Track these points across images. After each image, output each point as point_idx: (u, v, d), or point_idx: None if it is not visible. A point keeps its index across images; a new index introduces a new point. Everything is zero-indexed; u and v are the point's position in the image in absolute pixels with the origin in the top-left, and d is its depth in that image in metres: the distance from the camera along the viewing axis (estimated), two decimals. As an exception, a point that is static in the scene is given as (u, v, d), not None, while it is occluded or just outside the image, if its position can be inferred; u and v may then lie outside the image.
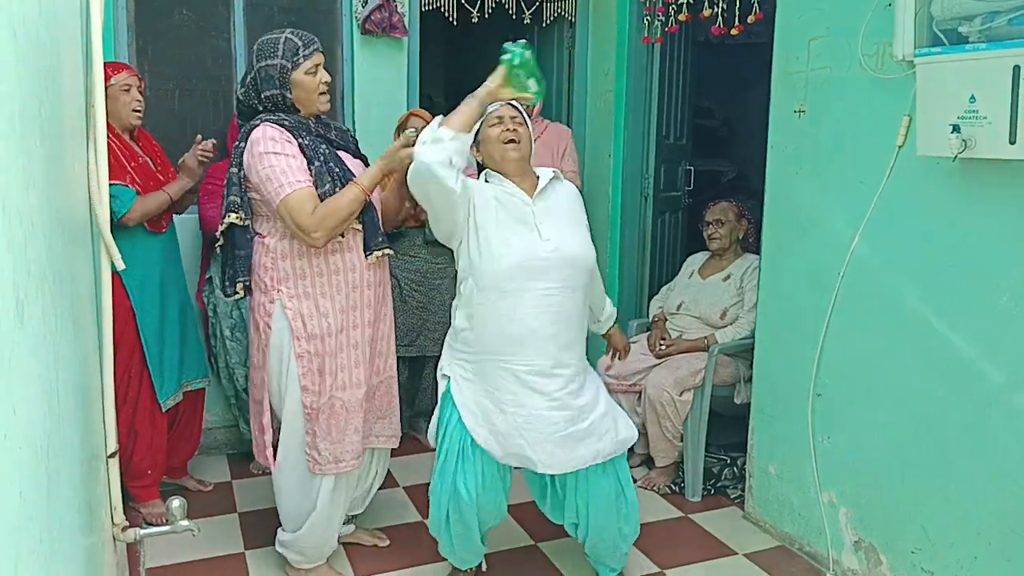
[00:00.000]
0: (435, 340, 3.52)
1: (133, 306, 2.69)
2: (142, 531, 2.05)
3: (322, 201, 2.22)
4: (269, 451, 2.44)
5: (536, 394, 2.19)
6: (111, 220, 2.52)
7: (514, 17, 3.98)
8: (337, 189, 2.24)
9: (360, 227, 2.32)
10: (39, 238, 1.13)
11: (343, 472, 2.40)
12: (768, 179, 2.83)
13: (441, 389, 2.35)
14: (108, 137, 2.39)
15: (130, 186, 2.63)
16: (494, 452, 2.23)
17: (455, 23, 3.83)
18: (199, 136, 2.82)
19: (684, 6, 3.40)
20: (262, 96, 2.29)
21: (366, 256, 2.33)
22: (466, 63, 6.05)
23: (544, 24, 4.11)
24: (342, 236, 2.29)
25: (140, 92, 2.76)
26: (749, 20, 3.10)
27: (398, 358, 3.46)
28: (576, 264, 2.23)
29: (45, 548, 1.05)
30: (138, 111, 2.74)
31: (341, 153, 2.38)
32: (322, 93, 2.32)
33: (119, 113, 2.69)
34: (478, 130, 2.27)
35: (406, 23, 3.64)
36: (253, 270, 2.37)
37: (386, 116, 3.55)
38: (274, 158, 2.20)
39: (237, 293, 2.36)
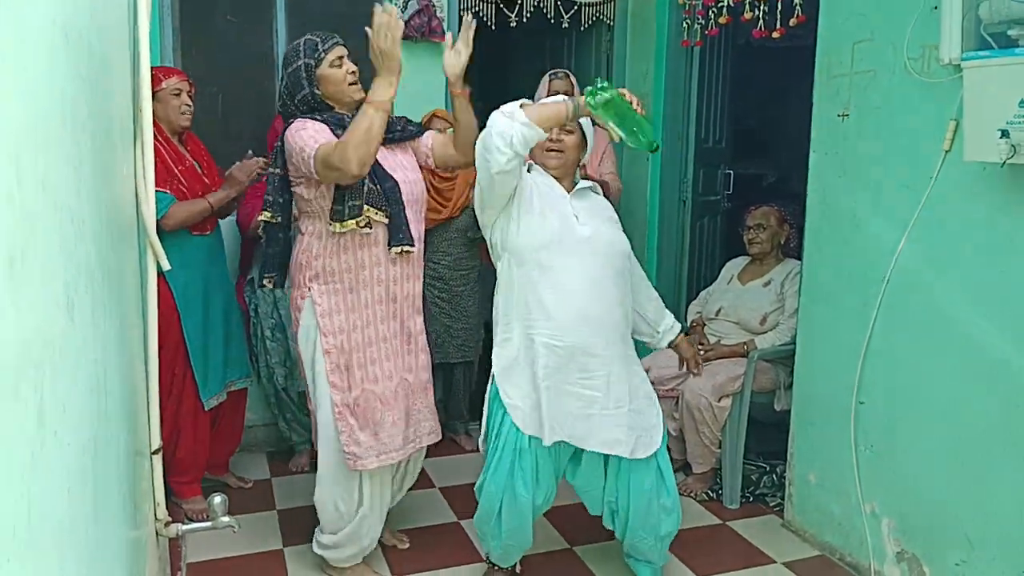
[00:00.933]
0: (458, 346, 3.54)
1: (177, 306, 2.74)
2: (184, 527, 2.09)
3: (337, 191, 2.25)
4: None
5: (571, 371, 2.22)
6: None
7: (552, 21, 3.98)
8: (367, 183, 2.25)
9: (386, 220, 2.30)
10: (88, 238, 1.16)
11: (384, 464, 2.41)
12: (810, 183, 2.79)
13: (490, 388, 2.36)
14: (156, 140, 2.45)
15: (167, 191, 2.67)
16: (541, 434, 2.24)
17: (493, 27, 3.85)
18: (250, 152, 2.85)
19: (724, 9, 3.37)
20: (296, 100, 2.33)
21: (389, 249, 2.32)
22: (504, 67, 6.07)
23: (583, 28, 4.10)
24: (368, 229, 2.27)
25: (190, 96, 2.81)
26: (791, 23, 3.07)
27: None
28: (613, 248, 2.30)
29: (91, 542, 1.08)
30: (187, 114, 2.80)
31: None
32: (351, 84, 2.33)
33: (169, 116, 2.75)
34: None
35: (444, 27, 3.66)
36: (291, 267, 2.43)
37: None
38: (304, 133, 2.24)
39: (264, 286, 2.52)
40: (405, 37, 3.54)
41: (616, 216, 2.47)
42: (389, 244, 2.31)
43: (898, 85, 2.41)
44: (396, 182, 2.34)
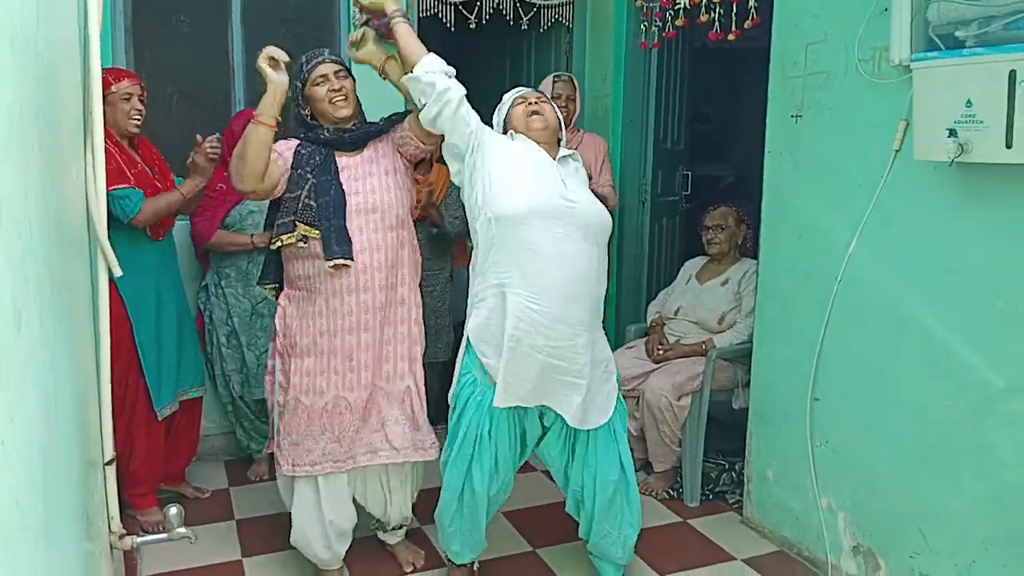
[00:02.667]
0: (429, 346, 3.51)
1: (128, 314, 2.68)
2: (139, 539, 2.04)
3: (283, 202, 2.35)
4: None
5: (539, 335, 2.20)
6: (121, 222, 2.54)
7: (511, 23, 3.98)
8: (298, 193, 2.32)
9: (317, 235, 2.31)
10: (37, 247, 1.13)
11: (301, 476, 2.40)
12: (765, 184, 2.83)
13: (462, 355, 2.35)
14: (108, 144, 2.44)
15: (135, 187, 2.63)
16: (503, 398, 2.23)
17: (452, 29, 3.84)
18: (198, 136, 2.78)
19: (681, 11, 3.41)
20: (297, 117, 2.45)
21: (326, 262, 2.30)
22: (464, 68, 6.06)
23: (542, 30, 4.12)
24: (304, 243, 2.32)
25: (141, 100, 2.74)
26: (746, 25, 3.11)
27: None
28: (599, 218, 2.31)
29: (42, 556, 1.05)
30: (137, 120, 2.73)
31: (350, 161, 2.41)
32: (334, 101, 2.38)
33: (118, 121, 2.68)
34: (506, 113, 2.43)
35: (404, 29, 3.64)
36: None
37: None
38: None
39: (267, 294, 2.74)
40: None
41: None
42: (324, 257, 2.31)
43: (850, 86, 2.46)
44: (340, 195, 2.34)
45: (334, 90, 2.37)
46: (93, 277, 1.92)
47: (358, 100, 2.48)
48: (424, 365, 3.58)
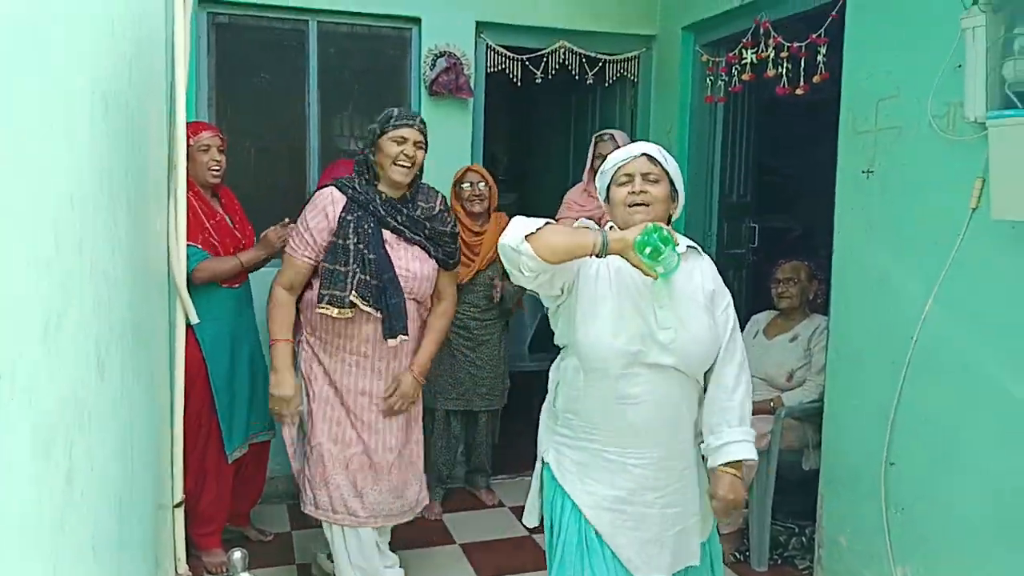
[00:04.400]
0: (483, 395, 3.54)
1: (204, 358, 2.76)
2: (203, 582, 2.08)
3: (326, 272, 2.38)
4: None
5: (635, 489, 1.89)
6: None
7: (577, 78, 4.04)
8: (349, 267, 2.36)
9: (377, 313, 2.39)
10: (121, 297, 1.18)
11: (322, 519, 2.49)
12: (836, 240, 2.78)
13: (538, 471, 2.06)
14: (189, 195, 2.52)
15: (198, 246, 2.71)
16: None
17: (519, 84, 3.92)
18: (287, 219, 2.85)
19: (747, 66, 3.41)
20: (363, 156, 2.49)
21: (386, 340, 2.40)
22: (530, 122, 6.16)
23: (607, 84, 4.16)
24: (350, 313, 2.37)
25: (220, 151, 2.84)
26: (815, 80, 3.09)
27: (449, 412, 3.49)
28: (692, 358, 1.84)
29: (113, 601, 1.07)
30: (216, 170, 2.82)
31: (393, 239, 2.45)
32: (398, 164, 2.41)
33: (198, 172, 2.77)
34: (608, 186, 1.94)
35: (472, 85, 3.74)
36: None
37: (451, 173, 3.63)
38: (302, 223, 2.45)
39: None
40: (433, 94, 3.65)
41: (716, 286, 1.93)
42: (384, 335, 2.40)
43: (924, 142, 2.41)
44: (395, 274, 2.42)
45: (406, 155, 2.41)
46: (171, 324, 2.00)
47: (418, 173, 2.52)
48: (485, 413, 3.61)
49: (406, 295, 2.44)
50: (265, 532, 3.24)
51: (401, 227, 2.46)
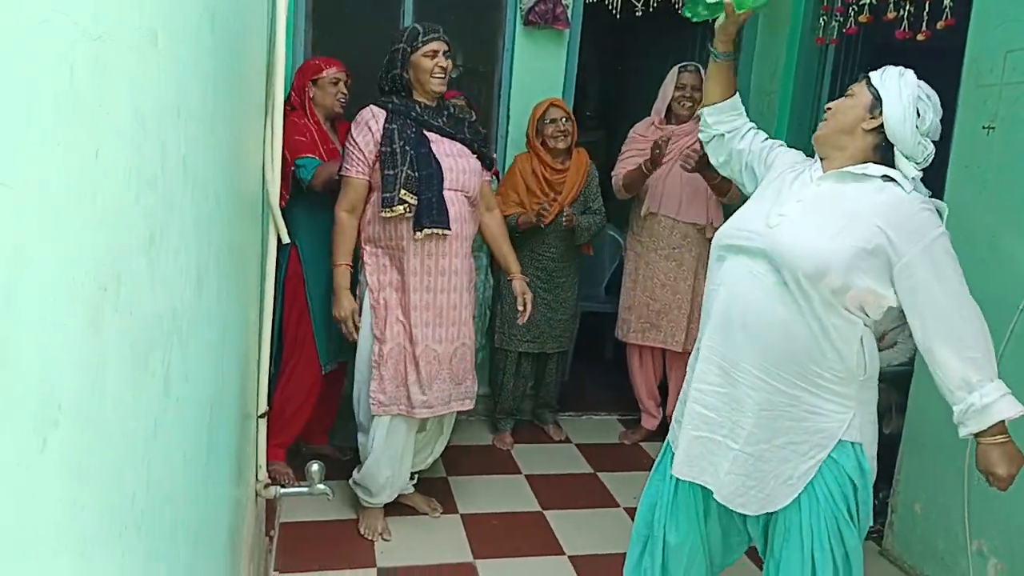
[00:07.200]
0: (556, 336, 3.54)
1: (304, 273, 2.90)
2: (282, 490, 2.18)
3: (382, 179, 2.48)
4: None
5: (709, 389, 1.78)
6: (300, 187, 2.77)
7: (678, 11, 3.87)
8: (398, 168, 2.46)
9: (415, 202, 2.46)
10: (220, 214, 1.21)
11: (402, 414, 2.60)
12: (947, 198, 2.62)
13: None
14: (310, 121, 2.84)
15: (315, 157, 2.84)
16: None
17: (618, 16, 3.79)
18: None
19: (866, 7, 3.20)
20: (388, 76, 2.58)
21: (415, 231, 2.47)
22: (624, 56, 5.98)
23: (711, 19, 3.97)
24: (410, 213, 2.48)
25: (346, 85, 2.98)
26: (939, 26, 2.88)
27: (521, 354, 3.52)
28: (787, 256, 1.65)
29: (200, 503, 1.13)
30: (342, 101, 2.98)
31: (437, 138, 2.57)
32: (436, 77, 2.53)
33: (326, 102, 2.94)
34: None
35: (569, 15, 3.63)
36: None
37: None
38: (351, 142, 2.57)
39: None
40: (528, 23, 3.56)
41: (883, 221, 1.70)
42: (413, 227, 2.48)
43: (1055, 99, 2.23)
44: (439, 169, 2.52)
45: (441, 67, 2.53)
46: (264, 243, 2.05)
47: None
48: (556, 353, 3.63)
49: (458, 189, 2.56)
50: (343, 449, 3.36)
51: (443, 127, 2.58)
